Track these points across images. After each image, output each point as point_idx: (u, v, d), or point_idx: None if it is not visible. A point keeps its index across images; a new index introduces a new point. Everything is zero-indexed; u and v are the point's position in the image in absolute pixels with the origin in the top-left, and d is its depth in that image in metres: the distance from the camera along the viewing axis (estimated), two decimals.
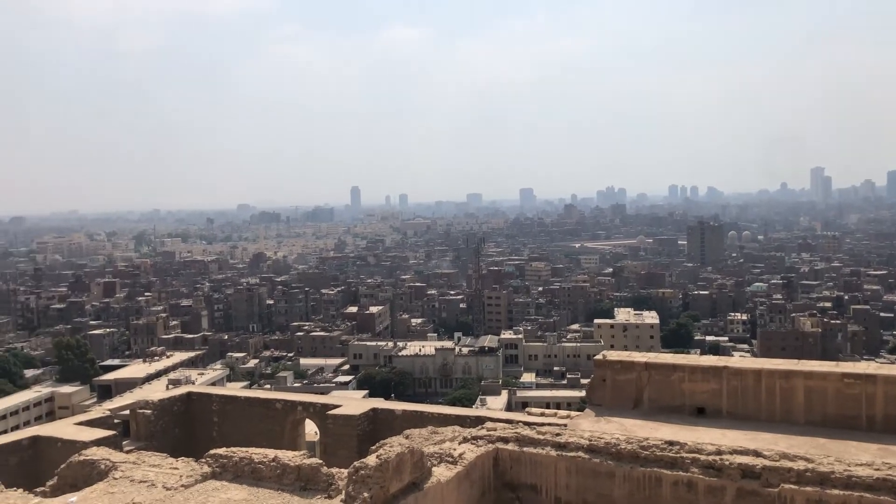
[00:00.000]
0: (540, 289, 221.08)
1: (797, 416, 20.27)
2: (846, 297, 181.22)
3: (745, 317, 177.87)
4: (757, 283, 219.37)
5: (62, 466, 18.32)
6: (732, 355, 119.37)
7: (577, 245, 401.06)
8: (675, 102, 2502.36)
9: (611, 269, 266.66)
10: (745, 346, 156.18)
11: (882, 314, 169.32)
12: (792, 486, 15.94)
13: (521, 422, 21.31)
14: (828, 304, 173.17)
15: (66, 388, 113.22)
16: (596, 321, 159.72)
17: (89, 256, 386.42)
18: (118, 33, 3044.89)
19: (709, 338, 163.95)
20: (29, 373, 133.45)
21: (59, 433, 25.46)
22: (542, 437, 18.47)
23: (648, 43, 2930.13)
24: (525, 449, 18.31)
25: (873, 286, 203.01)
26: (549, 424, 20.55)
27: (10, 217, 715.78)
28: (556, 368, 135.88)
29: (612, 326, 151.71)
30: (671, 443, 17.73)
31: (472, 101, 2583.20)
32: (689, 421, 20.83)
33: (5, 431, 79.31)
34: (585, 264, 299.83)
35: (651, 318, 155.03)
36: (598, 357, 23.43)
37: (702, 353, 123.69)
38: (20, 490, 17.95)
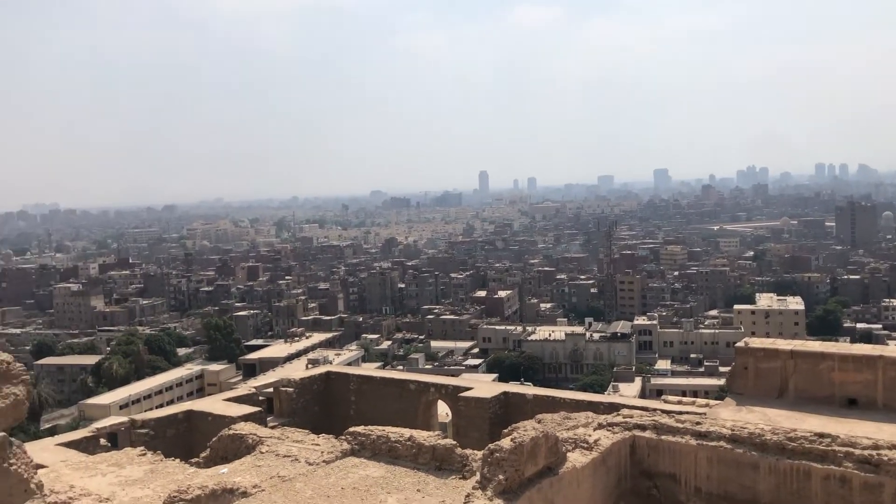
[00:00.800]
0: (675, 273, 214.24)
1: None
2: None
3: None
4: None
5: (214, 439, 19.46)
6: (887, 344, 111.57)
7: (715, 227, 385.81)
8: (821, 74, 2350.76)
9: (752, 253, 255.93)
10: None
11: None
12: None
13: (658, 409, 20.74)
14: None
15: (215, 366, 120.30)
16: (736, 307, 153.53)
17: (234, 242, 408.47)
18: (254, 28, 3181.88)
19: (860, 325, 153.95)
20: (181, 351, 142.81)
21: (210, 408, 27.02)
22: (680, 425, 17.89)
23: (784, 15, 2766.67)
24: (663, 437, 17.79)
25: None
26: (688, 413, 19.88)
27: (164, 205, 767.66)
28: (692, 356, 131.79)
29: (753, 312, 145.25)
30: (821, 435, 16.73)
31: (603, 80, 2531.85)
32: (840, 413, 19.57)
33: (161, 405, 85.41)
34: (724, 247, 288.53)
35: (796, 303, 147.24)
36: (740, 344, 22.44)
37: (852, 342, 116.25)
38: (177, 460, 19.26)
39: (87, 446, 22.91)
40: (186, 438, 25.85)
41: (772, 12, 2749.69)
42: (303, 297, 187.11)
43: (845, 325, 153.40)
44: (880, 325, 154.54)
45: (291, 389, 30.47)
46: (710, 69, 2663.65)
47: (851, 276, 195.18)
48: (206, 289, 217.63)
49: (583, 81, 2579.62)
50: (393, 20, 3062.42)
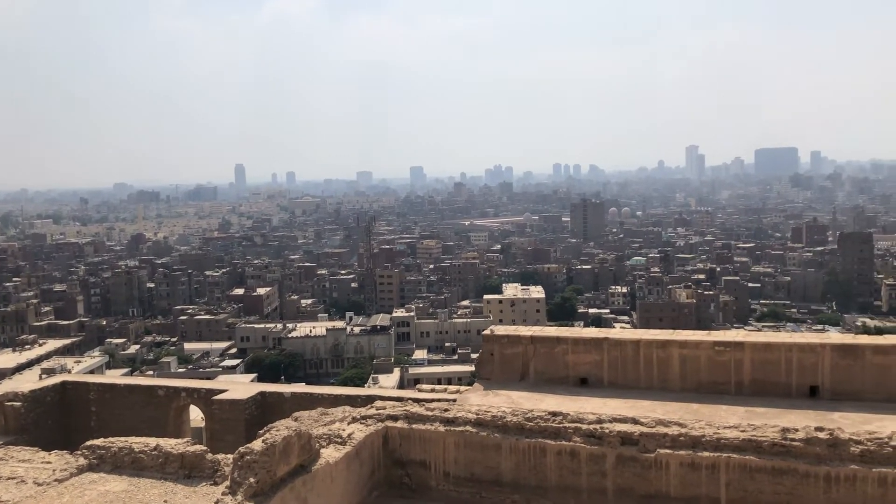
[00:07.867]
0: (431, 266, 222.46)
1: (673, 383, 21.30)
2: (718, 269, 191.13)
3: (625, 290, 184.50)
4: (636, 258, 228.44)
5: None
6: (614, 327, 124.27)
7: (466, 223, 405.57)
8: (561, 83, 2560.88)
9: (499, 246, 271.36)
10: (626, 318, 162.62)
11: (750, 284, 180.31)
12: (667, 451, 16.77)
13: (410, 399, 21.45)
14: (702, 276, 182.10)
15: None
16: (485, 297, 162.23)
17: None
18: None
19: (591, 310, 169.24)
20: None
21: None
22: (430, 413, 18.65)
23: (538, 22, 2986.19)
24: (414, 426, 18.44)
25: (742, 258, 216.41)
26: (439, 400, 20.76)
27: None
28: (447, 344, 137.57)
29: (500, 301, 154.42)
30: (555, 413, 18.26)
31: (364, 77, 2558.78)
32: (573, 391, 21.53)
33: None
34: (475, 241, 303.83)
35: (537, 292, 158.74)
36: (486, 332, 23.83)
37: (585, 326, 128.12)
38: None
39: None
40: None
41: (526, 18, 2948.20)
42: (34, 301, 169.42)
43: (580, 310, 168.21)
44: (608, 310, 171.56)
45: (19, 404, 27.51)
46: (465, 71, 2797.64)
47: (584, 266, 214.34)
48: None
49: (343, 77, 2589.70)
50: (150, 4, 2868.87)
